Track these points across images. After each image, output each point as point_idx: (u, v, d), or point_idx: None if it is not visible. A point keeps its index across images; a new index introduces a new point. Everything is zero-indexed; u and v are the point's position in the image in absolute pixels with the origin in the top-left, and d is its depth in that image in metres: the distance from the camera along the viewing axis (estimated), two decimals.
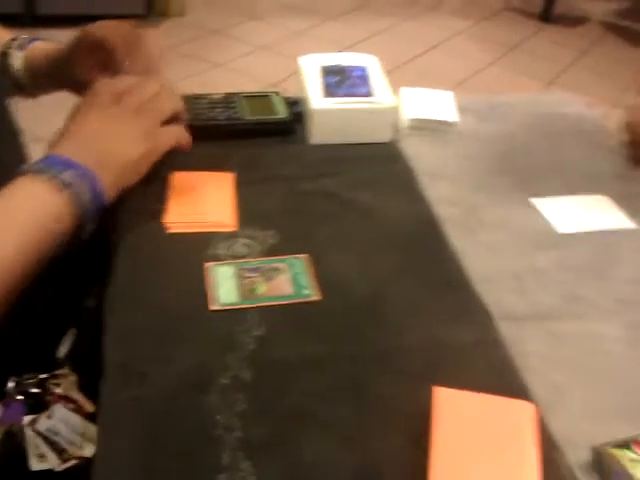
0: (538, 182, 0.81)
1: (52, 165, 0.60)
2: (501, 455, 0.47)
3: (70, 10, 2.81)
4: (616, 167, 0.85)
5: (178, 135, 0.70)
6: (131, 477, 0.46)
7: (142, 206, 0.70)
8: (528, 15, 3.77)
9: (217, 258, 0.64)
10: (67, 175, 0.60)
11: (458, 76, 2.94)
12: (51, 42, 0.85)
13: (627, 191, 0.80)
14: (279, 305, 0.59)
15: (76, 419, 0.60)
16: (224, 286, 0.60)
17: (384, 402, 0.52)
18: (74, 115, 0.67)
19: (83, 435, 0.58)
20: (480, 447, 0.47)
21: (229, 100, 0.85)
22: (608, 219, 0.75)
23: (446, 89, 0.95)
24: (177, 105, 0.71)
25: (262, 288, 0.60)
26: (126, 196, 0.68)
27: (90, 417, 0.60)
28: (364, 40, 3.24)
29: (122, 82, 0.69)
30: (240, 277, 0.61)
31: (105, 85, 0.68)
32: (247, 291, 0.60)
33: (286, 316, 0.59)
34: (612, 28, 3.74)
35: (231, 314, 0.58)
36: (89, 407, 0.61)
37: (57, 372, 0.66)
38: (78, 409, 0.62)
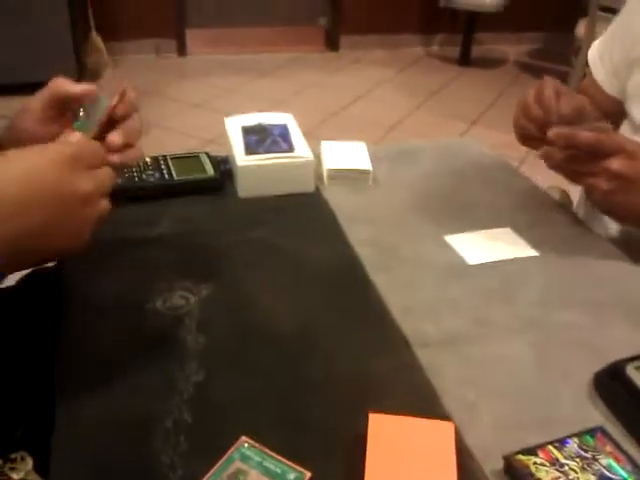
0: (449, 220, 0.88)
1: None
2: (425, 470, 0.52)
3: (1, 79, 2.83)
4: (517, 200, 0.93)
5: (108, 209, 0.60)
6: None
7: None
8: (447, 60, 4.00)
9: (156, 312, 0.68)
10: None
11: (386, 123, 3.08)
12: None
13: (528, 221, 0.88)
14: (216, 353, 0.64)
15: None
16: None
17: (319, 429, 0.57)
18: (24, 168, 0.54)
19: None
20: (407, 464, 0.52)
21: (158, 162, 0.90)
22: (513, 249, 0.83)
23: (376, 136, 1.04)
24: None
25: None
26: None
27: None
28: (295, 94, 3.36)
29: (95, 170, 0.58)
30: None
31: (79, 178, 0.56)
32: None
33: (223, 360, 0.63)
34: (525, 68, 4.00)
35: (170, 361, 0.62)
36: None
37: (13, 456, 0.64)
38: None
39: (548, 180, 1.32)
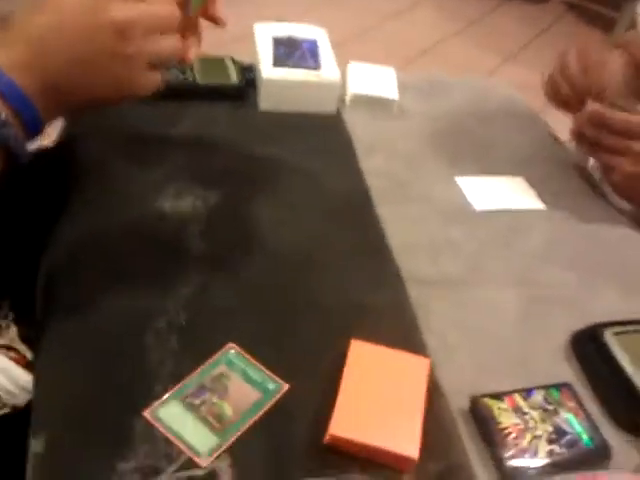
0: (464, 162, 0.88)
1: None
2: (395, 398, 0.55)
3: None
4: (536, 150, 0.93)
5: (158, 84, 0.55)
6: (73, 400, 0.52)
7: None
8: None
9: (162, 213, 0.70)
10: None
11: (419, 46, 2.99)
12: None
13: (542, 174, 0.89)
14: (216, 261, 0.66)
15: (15, 369, 0.63)
16: (189, 431, 0.51)
17: (304, 347, 0.60)
18: (56, 12, 0.50)
19: (18, 384, 0.62)
20: (379, 391, 0.55)
21: None
22: (521, 199, 0.83)
23: (405, 60, 1.01)
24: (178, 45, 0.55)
25: (226, 408, 0.53)
26: None
27: (29, 366, 0.63)
28: (327, 5, 3.24)
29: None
30: (194, 408, 0.53)
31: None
32: (217, 421, 0.52)
33: (222, 269, 0.66)
34: (572, 7, 3.81)
35: (171, 264, 0.65)
36: (29, 355, 0.64)
37: None
38: (19, 359, 0.65)
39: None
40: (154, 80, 0.54)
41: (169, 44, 0.53)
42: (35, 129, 0.51)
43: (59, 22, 0.49)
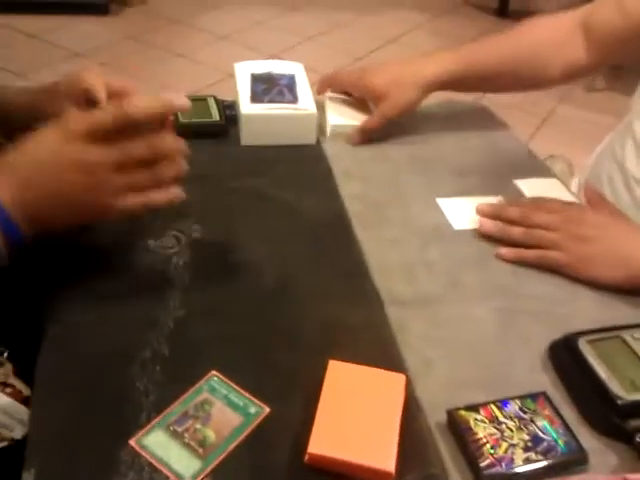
0: (445, 183, 0.91)
1: None
2: (372, 415, 0.57)
3: None
4: (516, 170, 0.95)
5: (141, 205, 0.63)
6: (62, 432, 0.55)
7: None
8: (485, 10, 3.89)
9: (147, 249, 0.73)
10: None
11: None
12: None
13: (519, 190, 0.91)
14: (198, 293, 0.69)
15: (10, 403, 0.64)
16: (174, 458, 0.53)
17: (285, 371, 0.62)
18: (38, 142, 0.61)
19: (15, 418, 0.63)
20: (356, 408, 0.57)
21: None
22: None
23: None
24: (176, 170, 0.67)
25: (209, 433, 0.55)
26: None
27: (25, 401, 0.65)
28: (324, 33, 3.32)
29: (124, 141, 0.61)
30: (178, 435, 0.55)
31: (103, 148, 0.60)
32: (200, 447, 0.54)
33: (204, 299, 0.68)
34: None
35: (155, 297, 0.67)
36: (25, 391, 0.67)
37: None
38: (15, 393, 0.67)
39: (558, 149, 1.33)
40: (133, 202, 0.62)
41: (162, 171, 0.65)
42: (19, 244, 0.61)
43: (40, 164, 0.59)
